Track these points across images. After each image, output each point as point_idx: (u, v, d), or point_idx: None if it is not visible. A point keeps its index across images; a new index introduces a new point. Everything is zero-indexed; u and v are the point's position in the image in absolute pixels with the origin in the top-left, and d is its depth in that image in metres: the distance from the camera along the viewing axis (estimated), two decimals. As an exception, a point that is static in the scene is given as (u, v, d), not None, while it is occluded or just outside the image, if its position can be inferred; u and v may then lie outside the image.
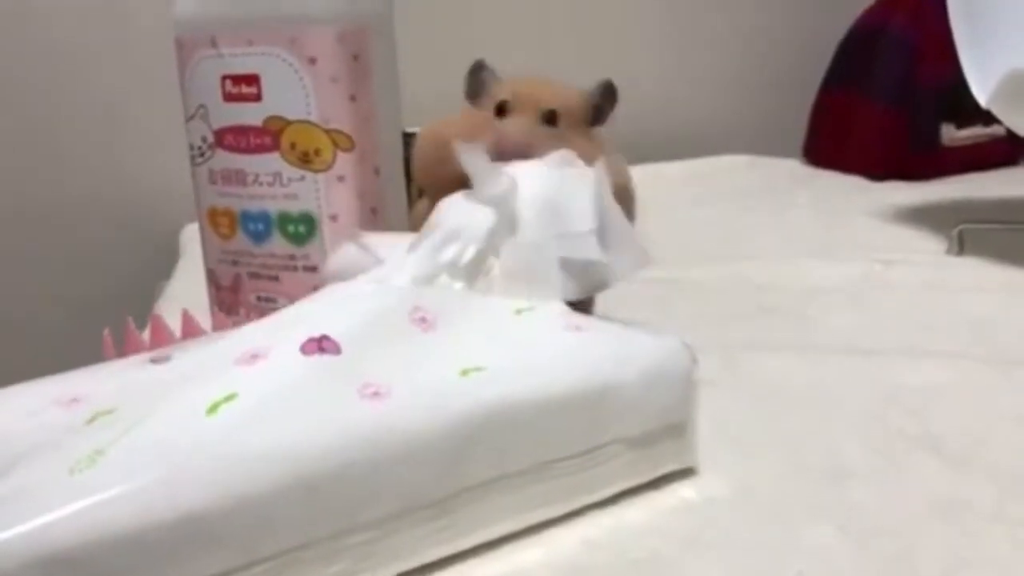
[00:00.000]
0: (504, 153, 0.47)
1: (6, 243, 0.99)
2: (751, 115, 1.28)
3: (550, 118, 0.51)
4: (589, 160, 0.51)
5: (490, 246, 0.41)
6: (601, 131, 0.56)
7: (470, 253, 0.40)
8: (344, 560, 0.30)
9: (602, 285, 0.43)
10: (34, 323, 1.01)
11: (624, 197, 0.56)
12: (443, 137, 0.52)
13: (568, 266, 0.41)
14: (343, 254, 0.42)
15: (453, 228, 0.41)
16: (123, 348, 0.45)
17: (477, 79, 0.53)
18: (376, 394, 0.31)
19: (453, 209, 0.42)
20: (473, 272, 0.40)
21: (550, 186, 0.43)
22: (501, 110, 0.50)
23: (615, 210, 0.44)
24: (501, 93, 0.51)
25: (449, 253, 0.40)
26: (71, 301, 1.01)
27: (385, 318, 0.35)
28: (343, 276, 0.40)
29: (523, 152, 0.47)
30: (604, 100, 0.55)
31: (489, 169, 0.43)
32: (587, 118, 0.54)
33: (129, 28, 0.98)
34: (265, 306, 0.50)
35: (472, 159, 0.43)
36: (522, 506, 0.34)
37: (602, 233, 0.42)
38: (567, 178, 0.43)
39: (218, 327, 0.51)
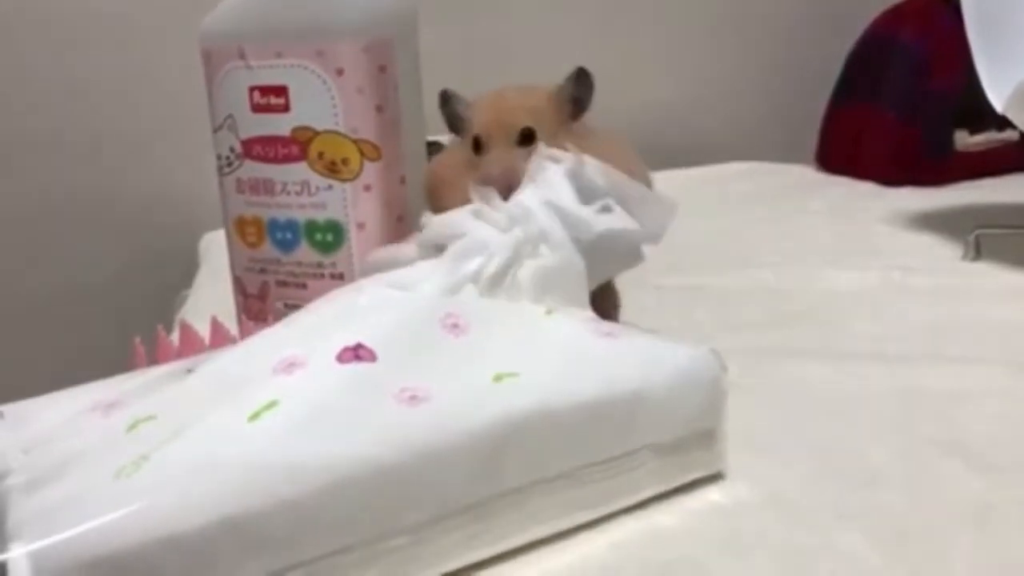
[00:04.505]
0: (494, 189, 0.47)
1: (25, 251, 1.00)
2: (762, 122, 1.29)
3: (527, 138, 0.51)
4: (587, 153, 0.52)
5: (515, 257, 0.41)
6: (589, 120, 0.56)
7: (494, 266, 0.40)
8: (381, 563, 0.31)
9: (636, 252, 0.44)
10: (54, 328, 1.02)
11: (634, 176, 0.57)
12: (437, 177, 0.53)
13: (603, 243, 0.42)
14: (392, 249, 0.43)
15: (478, 240, 0.41)
16: (154, 356, 0.46)
17: (450, 112, 0.53)
18: (413, 398, 0.32)
19: (474, 223, 0.42)
20: (497, 283, 0.40)
21: (551, 192, 0.43)
22: (477, 146, 0.51)
23: (619, 178, 0.45)
24: (474, 123, 0.51)
25: (473, 264, 0.40)
26: (90, 309, 1.02)
27: (418, 324, 0.36)
28: (385, 267, 0.41)
29: (509, 183, 0.48)
30: (581, 89, 0.53)
31: (498, 204, 0.44)
32: (566, 113, 0.53)
33: (147, 42, 0.99)
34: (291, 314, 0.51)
35: (482, 196, 0.44)
36: (554, 511, 0.35)
37: (620, 203, 0.43)
38: (552, 177, 0.44)
39: (245, 335, 0.51)
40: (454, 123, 0.54)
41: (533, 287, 0.40)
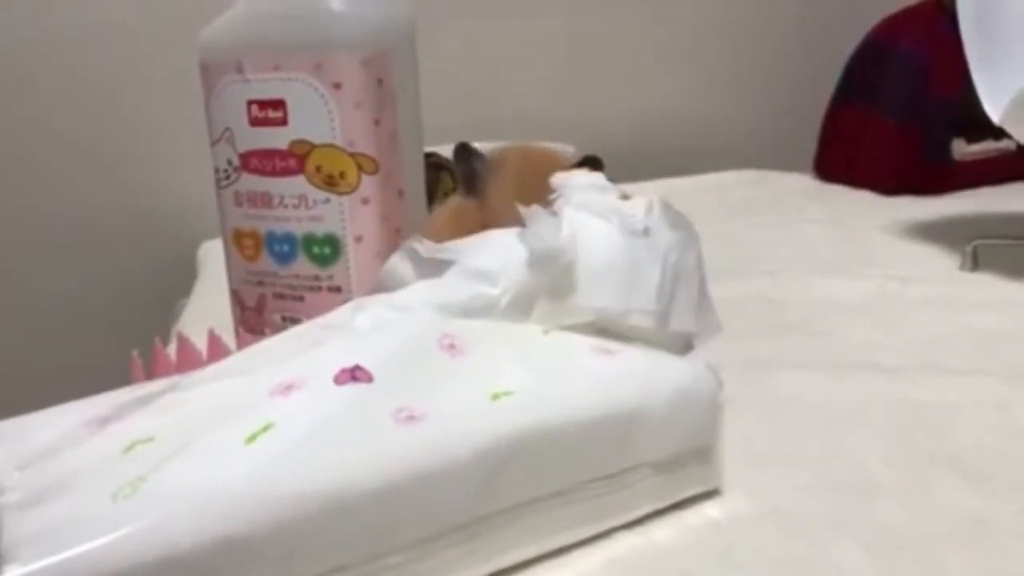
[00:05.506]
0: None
1: (25, 261, 1.00)
2: (760, 130, 1.29)
3: None
4: None
5: (527, 295, 0.40)
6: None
7: (505, 300, 0.39)
8: (378, 582, 0.31)
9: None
10: (53, 339, 1.02)
11: None
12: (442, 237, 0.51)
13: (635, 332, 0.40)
14: (391, 266, 0.42)
15: (489, 267, 0.39)
16: (152, 370, 0.46)
17: (468, 168, 0.53)
18: (411, 418, 0.32)
19: (494, 245, 0.41)
20: (503, 316, 0.39)
21: (616, 253, 0.40)
22: None
23: (692, 279, 0.42)
24: (496, 202, 0.50)
25: (480, 294, 0.39)
26: (90, 318, 1.02)
27: (414, 345, 0.36)
28: (389, 287, 0.41)
29: None
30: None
31: (547, 219, 0.41)
32: None
33: (146, 54, 0.99)
34: (289, 327, 0.51)
35: (531, 211, 0.41)
36: (551, 528, 0.35)
37: (670, 305, 0.40)
38: (636, 249, 0.41)
39: (243, 348, 0.51)
40: (470, 180, 0.54)
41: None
